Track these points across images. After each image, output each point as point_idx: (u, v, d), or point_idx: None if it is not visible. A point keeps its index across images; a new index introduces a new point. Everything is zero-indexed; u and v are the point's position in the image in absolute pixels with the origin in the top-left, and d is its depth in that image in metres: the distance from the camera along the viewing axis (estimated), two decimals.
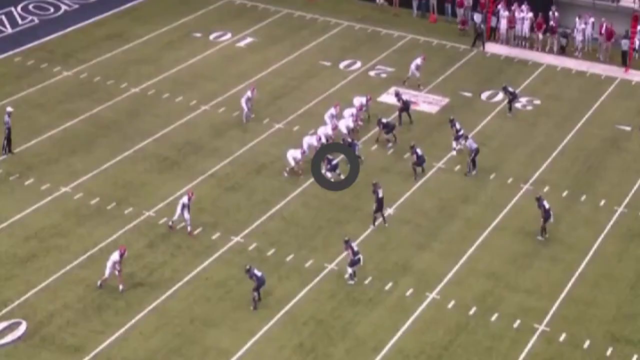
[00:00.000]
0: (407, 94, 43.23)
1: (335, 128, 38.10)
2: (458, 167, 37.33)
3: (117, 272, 29.79)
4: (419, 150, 36.36)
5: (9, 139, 37.10)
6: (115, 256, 29.72)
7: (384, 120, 38.95)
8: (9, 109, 37.31)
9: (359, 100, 39.96)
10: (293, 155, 36.02)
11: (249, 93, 40.28)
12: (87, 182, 35.91)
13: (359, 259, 30.62)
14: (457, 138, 38.07)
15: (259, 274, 29.47)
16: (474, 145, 36.77)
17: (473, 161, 36.91)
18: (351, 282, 30.72)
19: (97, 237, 32.60)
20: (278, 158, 37.27)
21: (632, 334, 29.13)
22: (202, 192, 35.19)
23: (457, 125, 38.24)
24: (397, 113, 40.50)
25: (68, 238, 32.69)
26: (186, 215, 32.48)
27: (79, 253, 31.90)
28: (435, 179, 36.68)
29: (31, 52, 46.28)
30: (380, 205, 33.57)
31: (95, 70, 44.64)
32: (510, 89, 41.59)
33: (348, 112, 39.07)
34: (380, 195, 33.42)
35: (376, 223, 33.69)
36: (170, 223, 32.96)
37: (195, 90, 43.06)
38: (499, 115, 41.66)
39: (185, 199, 32.48)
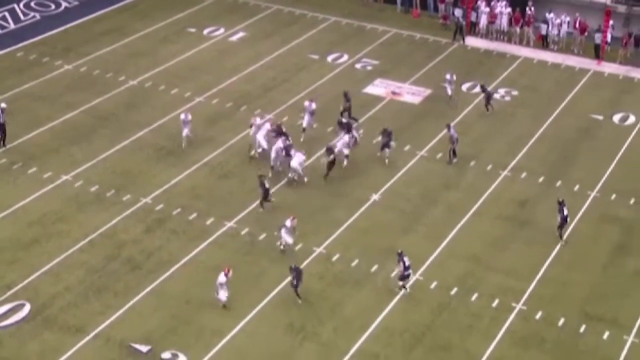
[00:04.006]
0: (392, 85, 43.29)
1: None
2: (440, 155, 37.33)
3: (224, 294, 28.52)
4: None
5: (3, 133, 36.78)
6: (221, 278, 28.32)
7: (344, 120, 37.90)
8: (3, 105, 36.89)
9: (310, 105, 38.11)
10: (299, 161, 34.88)
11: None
12: (87, 170, 35.81)
13: (408, 275, 29.31)
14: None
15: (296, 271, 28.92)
16: (455, 135, 36.74)
17: (454, 150, 36.90)
18: (404, 290, 29.59)
19: (97, 223, 32.53)
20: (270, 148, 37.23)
21: (604, 312, 29.24)
22: (196, 180, 35.21)
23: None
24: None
25: (69, 224, 32.62)
26: (289, 239, 31.08)
27: (80, 238, 31.83)
28: (418, 167, 36.67)
29: (33, 47, 46.11)
30: (266, 194, 33.05)
31: (94, 64, 44.50)
32: (487, 88, 41.25)
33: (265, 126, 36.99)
34: (267, 186, 33.16)
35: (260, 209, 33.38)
36: (281, 247, 31.37)
37: (190, 82, 42.96)
38: (478, 105, 41.63)
39: (288, 221, 30.97)
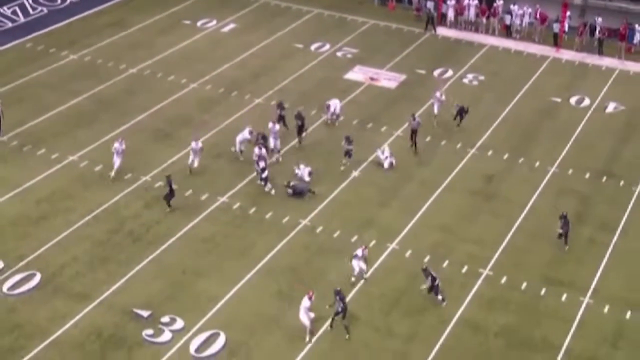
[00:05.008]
0: (370, 71, 43.06)
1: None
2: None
3: (309, 319, 26.22)
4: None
5: None
6: (305, 302, 26.11)
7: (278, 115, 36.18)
8: None
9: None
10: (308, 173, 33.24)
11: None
12: (91, 151, 35.46)
13: (437, 285, 27.62)
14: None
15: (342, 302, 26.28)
16: (416, 125, 36.07)
17: (413, 138, 36.12)
18: (441, 302, 27.84)
19: (100, 199, 32.24)
20: (259, 129, 36.85)
21: (562, 276, 29.28)
22: None
23: None
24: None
25: (75, 200, 32.32)
26: (363, 265, 28.43)
27: (85, 213, 31.56)
28: (394, 146, 36.44)
29: (41, 39, 45.58)
30: (171, 194, 31.27)
31: (97, 54, 44.04)
32: (462, 107, 38.02)
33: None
34: (173, 186, 31.34)
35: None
36: (353, 278, 28.59)
37: (185, 70, 42.56)
38: (449, 89, 41.43)
39: (359, 251, 28.54)
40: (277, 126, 35.28)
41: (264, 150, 33.54)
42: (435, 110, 37.94)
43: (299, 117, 35.91)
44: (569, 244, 30.35)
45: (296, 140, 36.18)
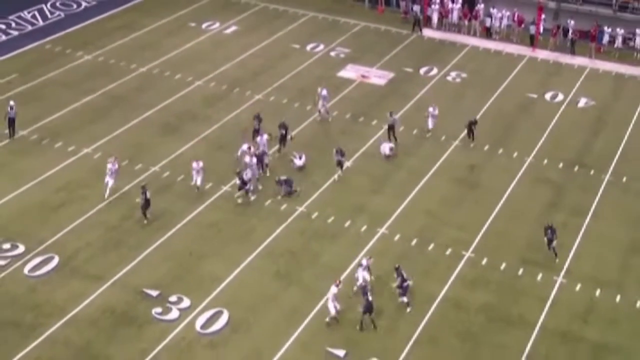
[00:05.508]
0: (362, 70, 42.92)
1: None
2: (402, 128, 37.00)
3: (336, 308, 25.64)
4: None
5: (13, 126, 35.09)
6: (332, 290, 25.67)
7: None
8: (12, 102, 35.35)
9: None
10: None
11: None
12: (105, 144, 35.29)
13: (407, 286, 26.28)
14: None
15: (370, 298, 25.55)
16: (393, 121, 35.76)
17: (394, 136, 35.71)
18: (408, 306, 26.39)
19: (113, 189, 32.00)
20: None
21: (537, 257, 29.24)
22: (197, 151, 34.72)
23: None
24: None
25: (90, 189, 32.17)
26: (365, 276, 26.71)
27: (99, 201, 31.42)
28: (384, 138, 36.34)
29: (58, 41, 45.29)
30: (147, 204, 29.71)
31: (109, 55, 43.78)
32: (471, 120, 36.20)
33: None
34: (148, 196, 29.85)
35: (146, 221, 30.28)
36: (354, 288, 26.86)
37: (190, 69, 42.32)
38: (433, 86, 41.37)
39: (364, 260, 27.14)
40: (265, 136, 33.44)
41: (254, 160, 32.03)
42: (430, 125, 36.46)
43: (283, 127, 34.40)
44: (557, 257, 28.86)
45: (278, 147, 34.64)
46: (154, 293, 26.97)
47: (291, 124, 35.80)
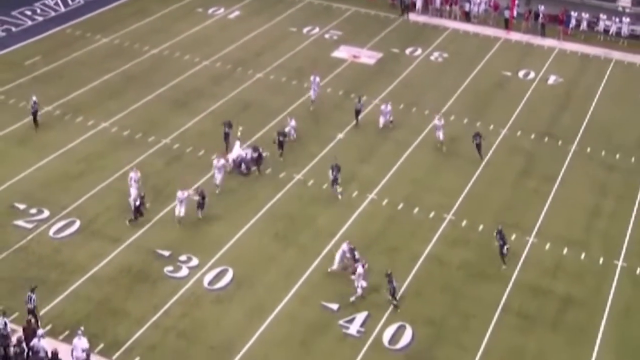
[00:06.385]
0: (353, 50, 42.14)
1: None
2: (390, 103, 36.26)
3: (361, 286, 24.46)
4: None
5: (35, 119, 33.47)
6: (359, 270, 24.45)
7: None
8: (34, 97, 33.55)
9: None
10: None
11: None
12: (121, 119, 34.51)
13: (394, 288, 24.33)
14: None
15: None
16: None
17: (357, 117, 34.20)
18: (395, 304, 24.40)
19: (129, 159, 31.39)
20: (260, 99, 36.20)
21: (512, 219, 28.83)
22: (204, 125, 34.10)
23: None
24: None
25: (108, 160, 31.52)
26: (362, 284, 24.66)
27: (116, 170, 30.75)
28: (373, 113, 35.67)
29: (79, 25, 44.22)
30: (137, 211, 27.39)
31: (125, 38, 42.81)
32: (477, 133, 32.54)
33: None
34: (138, 204, 27.59)
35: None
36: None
37: (198, 50, 41.40)
38: (419, 65, 40.62)
39: (360, 268, 24.72)
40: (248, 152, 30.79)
41: (227, 162, 30.04)
42: (441, 137, 32.66)
43: (282, 134, 32.06)
44: (506, 262, 26.37)
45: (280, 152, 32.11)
46: (166, 253, 26.45)
47: (289, 98, 35.11)
